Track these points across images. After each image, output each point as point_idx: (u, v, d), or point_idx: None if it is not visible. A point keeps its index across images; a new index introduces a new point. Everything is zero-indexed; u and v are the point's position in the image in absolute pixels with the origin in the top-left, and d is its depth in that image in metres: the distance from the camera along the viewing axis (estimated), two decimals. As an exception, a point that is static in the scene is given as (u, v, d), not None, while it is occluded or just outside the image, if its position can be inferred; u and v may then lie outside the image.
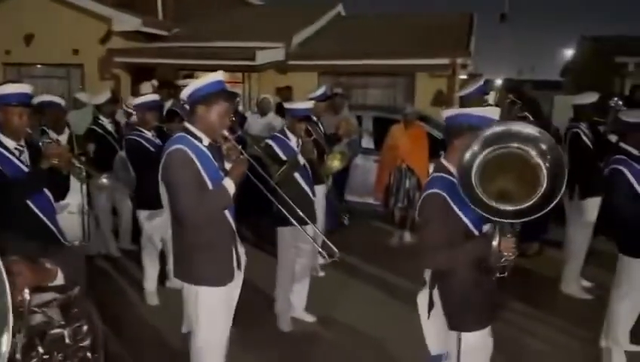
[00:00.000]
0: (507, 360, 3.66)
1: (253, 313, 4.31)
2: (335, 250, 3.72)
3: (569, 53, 15.39)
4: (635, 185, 3.27)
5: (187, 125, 2.60)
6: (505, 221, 2.02)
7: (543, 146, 1.93)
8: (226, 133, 2.60)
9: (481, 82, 4.67)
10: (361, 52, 10.10)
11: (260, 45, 10.09)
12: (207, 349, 2.68)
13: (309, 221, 3.74)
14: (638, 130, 3.37)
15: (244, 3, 16.24)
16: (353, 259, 5.70)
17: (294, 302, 4.26)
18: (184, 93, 2.60)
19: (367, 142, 7.27)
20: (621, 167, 3.31)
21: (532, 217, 1.94)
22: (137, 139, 4.43)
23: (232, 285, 2.73)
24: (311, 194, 4.11)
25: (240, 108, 7.67)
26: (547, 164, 1.92)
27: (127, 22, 10.62)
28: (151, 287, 4.61)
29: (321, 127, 5.40)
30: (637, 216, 3.28)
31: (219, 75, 2.61)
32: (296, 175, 3.98)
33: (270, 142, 4.07)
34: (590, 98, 4.77)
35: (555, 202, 1.88)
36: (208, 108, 2.54)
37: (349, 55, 10.08)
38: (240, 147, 2.67)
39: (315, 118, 5.21)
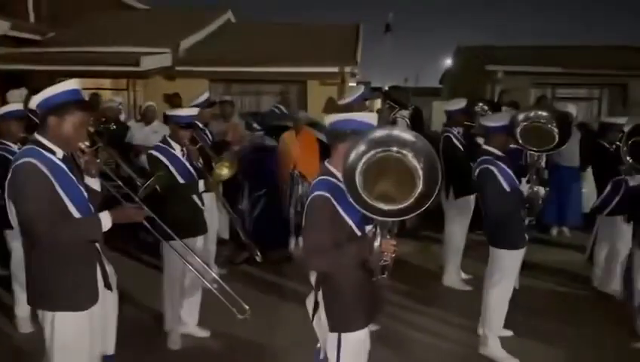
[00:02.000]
0: (392, 354, 3.84)
1: (143, 333, 4.11)
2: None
3: (448, 61, 16.55)
4: (502, 182, 3.57)
5: (37, 136, 2.39)
6: (386, 219, 2.10)
7: (419, 150, 2.05)
8: (83, 145, 2.42)
9: (361, 91, 4.88)
10: (252, 59, 10.07)
11: (145, 50, 9.66)
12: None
13: (196, 233, 3.61)
14: (497, 133, 3.70)
15: (128, 7, 15.48)
16: (247, 267, 5.66)
17: (185, 317, 4.10)
18: (33, 102, 2.39)
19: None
20: (489, 166, 3.60)
21: (411, 215, 2.06)
22: (2, 153, 4.02)
23: (96, 309, 2.51)
24: (199, 203, 4.00)
25: (123, 116, 7.27)
26: (422, 166, 2.04)
27: (-8, 25, 9.64)
28: (24, 313, 4.20)
29: (209, 135, 5.30)
30: (504, 211, 3.61)
31: (73, 83, 2.43)
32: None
33: (154, 152, 3.88)
34: (459, 104, 5.20)
35: (430, 202, 1.99)
36: (61, 118, 2.36)
37: (240, 62, 9.99)
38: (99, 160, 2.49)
39: (201, 126, 5.10)
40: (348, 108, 4.65)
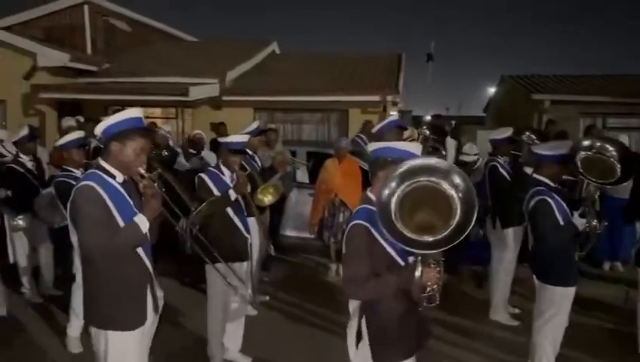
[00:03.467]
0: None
1: (186, 358, 4.15)
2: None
3: (492, 90, 16.37)
4: (557, 214, 3.41)
5: (100, 161, 2.52)
6: (422, 252, 2.08)
7: (455, 179, 2.02)
8: (142, 170, 2.51)
9: (393, 117, 4.85)
10: (295, 88, 10.28)
11: (194, 81, 10.04)
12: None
13: (240, 259, 3.66)
14: (551, 162, 3.55)
15: (177, 39, 16.19)
16: (289, 294, 5.66)
17: (228, 344, 4.11)
18: (98, 129, 2.52)
19: (302, 176, 7.33)
20: (546, 198, 3.44)
21: (447, 247, 2.01)
22: (66, 180, 4.21)
23: (145, 329, 2.59)
24: (244, 231, 4.03)
25: (171, 143, 7.53)
26: (459, 195, 2.01)
27: (53, 57, 10.29)
28: (75, 333, 4.34)
29: (258, 162, 5.41)
30: (558, 246, 3.45)
31: (136, 112, 2.56)
32: (229, 210, 3.92)
33: (203, 175, 3.98)
34: (505, 133, 5.10)
35: (467, 231, 1.96)
36: (123, 144, 2.47)
37: (283, 91, 10.23)
38: (156, 184, 2.56)
39: (250, 153, 5.22)
40: (379, 134, 4.64)
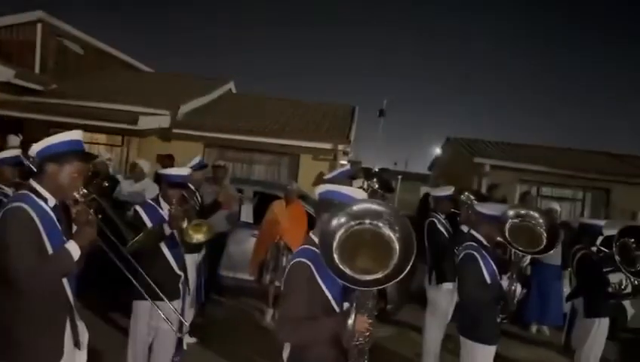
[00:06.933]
0: None
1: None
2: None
3: (437, 150, 17.05)
4: (484, 272, 3.50)
5: (32, 183, 2.40)
6: (361, 289, 2.08)
7: (393, 221, 2.08)
8: (77, 195, 2.41)
9: (347, 167, 4.94)
10: (249, 128, 10.32)
11: (144, 110, 9.89)
12: None
13: (164, 298, 3.48)
14: (488, 222, 3.66)
15: (133, 68, 16.00)
16: (222, 337, 5.46)
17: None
18: (33, 149, 2.41)
19: (246, 216, 7.22)
20: (474, 253, 3.54)
21: (384, 286, 2.03)
22: None
23: None
24: (176, 268, 3.87)
25: (111, 170, 7.30)
26: (397, 235, 2.06)
27: (-3, 71, 9.89)
28: None
29: (199, 197, 5.30)
30: (481, 302, 3.51)
31: (76, 134, 2.48)
32: (162, 245, 3.78)
33: (138, 207, 3.86)
34: (446, 191, 5.29)
35: (404, 272, 1.98)
36: (60, 166, 2.38)
37: (236, 130, 10.24)
38: (92, 211, 2.46)
39: (193, 188, 5.11)
40: (332, 182, 4.69)
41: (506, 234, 3.56)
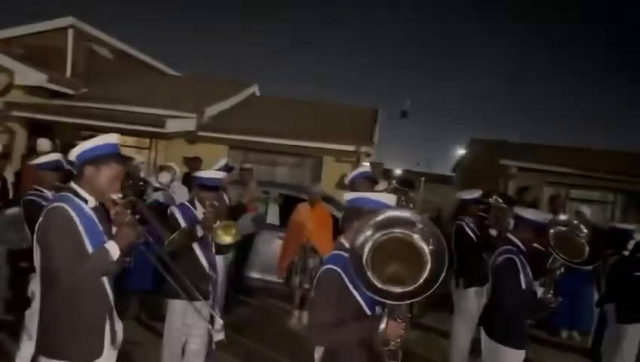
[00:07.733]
0: None
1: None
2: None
3: (461, 151, 16.87)
4: (521, 276, 3.44)
5: (73, 185, 2.48)
6: (389, 302, 2.08)
7: (426, 231, 2.07)
8: (115, 196, 2.47)
9: (363, 168, 4.94)
10: (272, 131, 10.38)
11: (171, 113, 10.05)
12: None
13: (200, 298, 3.54)
14: (528, 227, 3.59)
15: (159, 72, 16.25)
16: (248, 339, 5.51)
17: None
18: (73, 153, 2.49)
19: (273, 218, 7.28)
20: (514, 257, 3.48)
21: (419, 298, 2.03)
22: (36, 199, 4.07)
23: None
24: (207, 269, 3.95)
25: (142, 174, 7.43)
26: (430, 247, 2.04)
27: (31, 76, 10.17)
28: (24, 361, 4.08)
29: (227, 199, 5.38)
30: (514, 306, 3.46)
31: (113, 137, 2.55)
32: (195, 246, 3.86)
33: (173, 208, 3.98)
34: (474, 194, 5.24)
35: (438, 283, 1.98)
36: (97, 169, 2.45)
37: (260, 132, 10.30)
38: (129, 211, 2.51)
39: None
40: (352, 184, 4.69)
41: (551, 240, 3.55)
